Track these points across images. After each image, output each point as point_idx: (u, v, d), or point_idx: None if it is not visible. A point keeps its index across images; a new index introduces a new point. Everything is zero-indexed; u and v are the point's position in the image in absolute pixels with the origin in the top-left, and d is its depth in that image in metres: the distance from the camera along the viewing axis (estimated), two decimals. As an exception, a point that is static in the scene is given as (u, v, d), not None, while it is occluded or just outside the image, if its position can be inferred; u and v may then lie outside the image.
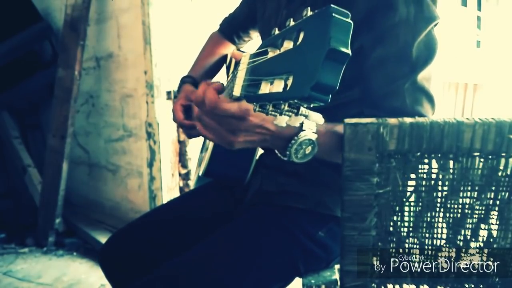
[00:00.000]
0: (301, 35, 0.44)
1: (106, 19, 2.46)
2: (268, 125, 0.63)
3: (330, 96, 0.41)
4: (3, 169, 2.97)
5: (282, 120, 0.51)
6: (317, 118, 0.51)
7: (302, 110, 0.47)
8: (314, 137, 0.65)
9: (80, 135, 2.88)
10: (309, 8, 0.45)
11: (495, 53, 3.78)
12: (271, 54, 0.51)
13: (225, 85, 0.66)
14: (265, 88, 0.49)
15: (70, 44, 2.41)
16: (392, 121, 0.64)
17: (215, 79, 1.23)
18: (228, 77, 1.09)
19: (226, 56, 1.24)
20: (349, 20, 0.40)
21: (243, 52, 1.17)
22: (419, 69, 0.75)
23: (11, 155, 2.85)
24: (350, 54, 0.40)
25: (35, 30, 2.70)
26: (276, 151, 0.70)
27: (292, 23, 0.48)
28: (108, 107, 2.60)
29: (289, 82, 0.43)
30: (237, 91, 0.58)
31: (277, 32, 0.52)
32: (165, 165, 2.17)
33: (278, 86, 0.46)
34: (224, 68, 1.25)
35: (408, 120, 0.64)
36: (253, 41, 1.29)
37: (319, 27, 0.41)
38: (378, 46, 0.76)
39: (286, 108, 0.47)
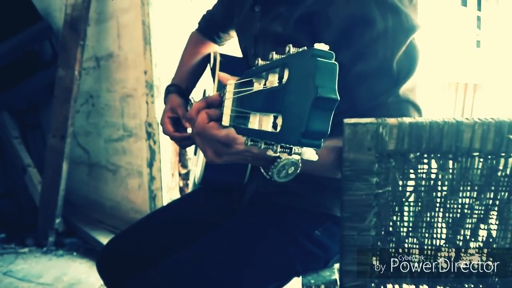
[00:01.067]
0: (286, 73, 0.44)
1: (106, 19, 2.46)
2: (253, 150, 0.65)
3: (322, 140, 0.41)
4: (3, 169, 2.97)
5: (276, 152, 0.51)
6: (311, 155, 0.51)
7: (295, 149, 0.47)
8: (297, 158, 0.65)
9: (80, 135, 2.88)
10: (291, 45, 0.45)
11: (495, 53, 3.78)
12: (256, 86, 0.51)
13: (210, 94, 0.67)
14: (254, 121, 0.50)
15: (70, 44, 2.41)
16: (392, 121, 0.64)
17: (201, 80, 1.23)
18: (214, 80, 1.09)
19: (208, 56, 1.21)
20: (333, 61, 0.40)
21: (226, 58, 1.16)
22: (401, 82, 0.75)
23: (11, 155, 2.85)
24: (338, 99, 0.39)
25: (35, 30, 2.70)
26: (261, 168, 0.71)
27: (275, 56, 0.48)
28: (108, 107, 2.60)
29: (279, 122, 0.44)
30: (225, 121, 0.59)
31: (260, 62, 0.52)
32: (165, 165, 2.17)
33: (267, 122, 0.47)
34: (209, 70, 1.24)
35: (407, 120, 0.64)
36: (234, 39, 1.27)
37: (304, 69, 0.40)
38: (358, 62, 0.75)
39: (279, 149, 0.47)
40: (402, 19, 0.74)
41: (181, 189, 2.26)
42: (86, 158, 2.88)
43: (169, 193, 2.19)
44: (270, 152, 0.51)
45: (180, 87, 1.10)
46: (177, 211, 1.06)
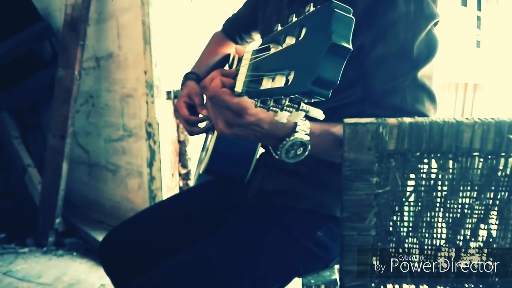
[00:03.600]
0: (303, 31, 0.44)
1: (106, 19, 2.46)
2: (263, 125, 0.65)
3: (331, 91, 0.41)
4: (3, 169, 2.97)
5: (283, 116, 0.51)
6: (317, 113, 0.51)
7: (303, 105, 0.48)
8: (306, 138, 0.65)
9: (80, 135, 2.88)
10: (311, 4, 0.45)
11: (495, 53, 3.78)
12: (273, 50, 0.51)
13: None
14: (266, 84, 0.49)
15: (70, 44, 2.41)
16: (392, 121, 0.64)
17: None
18: None
19: (228, 55, 1.25)
20: (351, 15, 0.41)
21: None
22: (420, 66, 0.75)
23: (11, 155, 2.85)
24: (351, 49, 0.40)
25: (35, 30, 2.70)
26: (270, 148, 0.71)
27: (294, 19, 0.48)
28: (108, 107, 2.60)
29: (291, 77, 0.44)
30: (238, 87, 0.59)
31: (279, 28, 0.52)
32: (165, 165, 2.17)
33: (279, 81, 0.46)
34: (226, 68, 1.26)
35: (407, 120, 0.64)
36: (256, 42, 1.29)
37: (321, 22, 0.41)
38: (378, 44, 0.76)
39: (287, 103, 0.47)
40: (423, 5, 0.75)
41: (181, 189, 2.26)
42: (86, 158, 2.88)
43: (169, 193, 2.19)
44: (279, 117, 0.50)
45: (200, 77, 1.11)
46: (177, 206, 1.07)
